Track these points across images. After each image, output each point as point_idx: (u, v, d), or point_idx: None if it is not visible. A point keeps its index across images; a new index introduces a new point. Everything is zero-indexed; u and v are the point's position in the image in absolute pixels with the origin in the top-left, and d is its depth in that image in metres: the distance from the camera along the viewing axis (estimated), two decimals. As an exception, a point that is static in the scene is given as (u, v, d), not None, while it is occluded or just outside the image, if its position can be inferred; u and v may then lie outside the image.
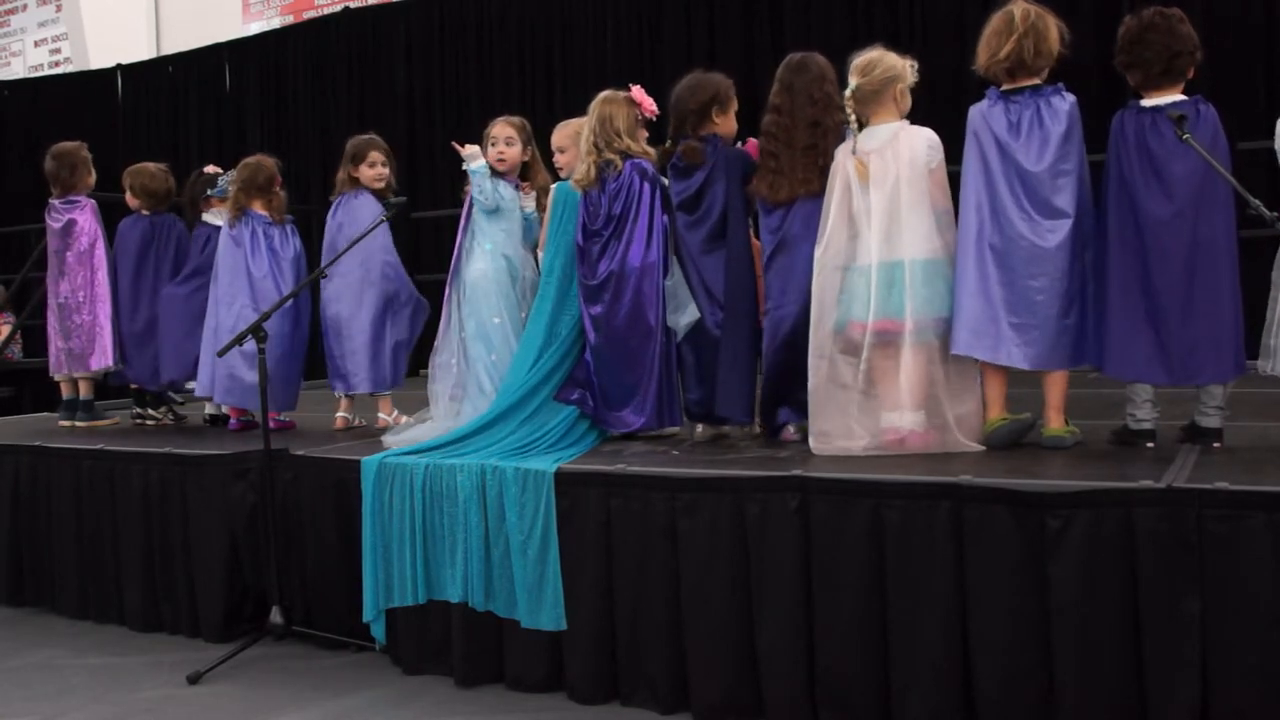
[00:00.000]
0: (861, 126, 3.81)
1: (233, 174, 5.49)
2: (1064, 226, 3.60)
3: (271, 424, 4.45)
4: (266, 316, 4.25)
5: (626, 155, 4.24)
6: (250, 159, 5.44)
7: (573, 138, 4.54)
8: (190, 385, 5.56)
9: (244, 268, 5.20)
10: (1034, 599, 3.05)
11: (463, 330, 4.62)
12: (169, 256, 5.73)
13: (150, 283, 5.71)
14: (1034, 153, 3.64)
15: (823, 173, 3.95)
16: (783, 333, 4.04)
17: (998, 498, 3.12)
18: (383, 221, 4.82)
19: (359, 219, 5.06)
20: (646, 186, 4.20)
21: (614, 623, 3.64)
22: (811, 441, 3.82)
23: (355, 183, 5.19)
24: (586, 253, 4.27)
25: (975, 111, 3.78)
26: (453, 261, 4.71)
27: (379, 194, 5.17)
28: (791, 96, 4.06)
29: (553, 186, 4.61)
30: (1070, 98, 3.69)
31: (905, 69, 3.84)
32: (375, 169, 5.17)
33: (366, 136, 5.28)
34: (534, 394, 4.25)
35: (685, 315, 4.17)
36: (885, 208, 3.72)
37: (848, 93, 3.80)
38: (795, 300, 3.98)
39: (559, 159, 4.62)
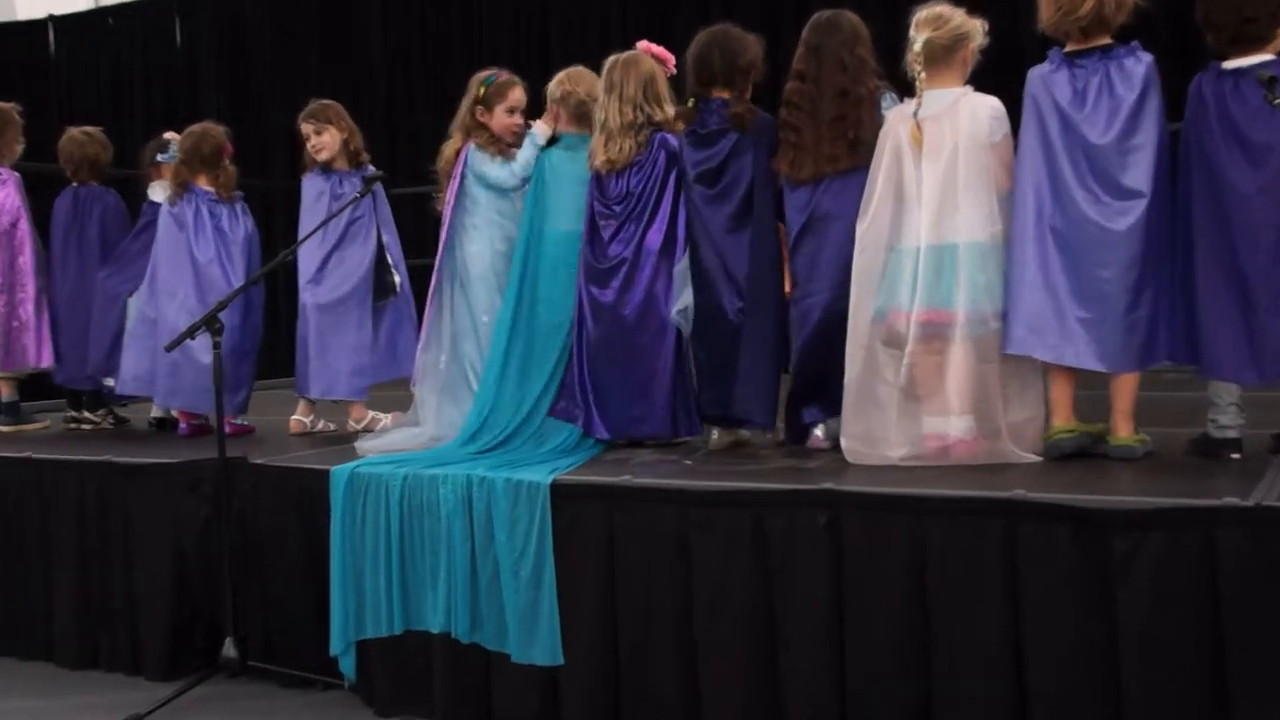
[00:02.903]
0: (913, 91, 3.77)
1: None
2: (1137, 208, 3.57)
3: (228, 428, 4.46)
4: (223, 306, 4.23)
5: (659, 126, 4.24)
6: (195, 127, 5.46)
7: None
8: (109, 381, 5.56)
9: (187, 252, 5.22)
10: (1099, 631, 3.05)
11: (453, 325, 4.64)
12: (93, 234, 5.69)
13: (74, 265, 5.68)
14: (1101, 124, 3.61)
15: (852, 147, 3.95)
16: (812, 322, 4.04)
17: (1058, 516, 3.12)
18: (353, 202, 4.91)
19: (304, 201, 5.25)
20: (671, 163, 4.22)
21: (618, 655, 3.65)
22: (844, 442, 3.83)
23: (313, 162, 5.27)
24: (596, 233, 4.27)
25: (1035, 75, 3.75)
26: (441, 247, 4.72)
27: (328, 166, 5.22)
28: (819, 61, 4.04)
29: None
30: (1146, 58, 3.64)
31: (977, 28, 3.83)
32: (309, 141, 5.22)
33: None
34: (535, 411, 4.32)
35: (678, 301, 4.17)
36: (939, 183, 3.72)
37: (916, 47, 3.76)
38: (826, 286, 3.98)
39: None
